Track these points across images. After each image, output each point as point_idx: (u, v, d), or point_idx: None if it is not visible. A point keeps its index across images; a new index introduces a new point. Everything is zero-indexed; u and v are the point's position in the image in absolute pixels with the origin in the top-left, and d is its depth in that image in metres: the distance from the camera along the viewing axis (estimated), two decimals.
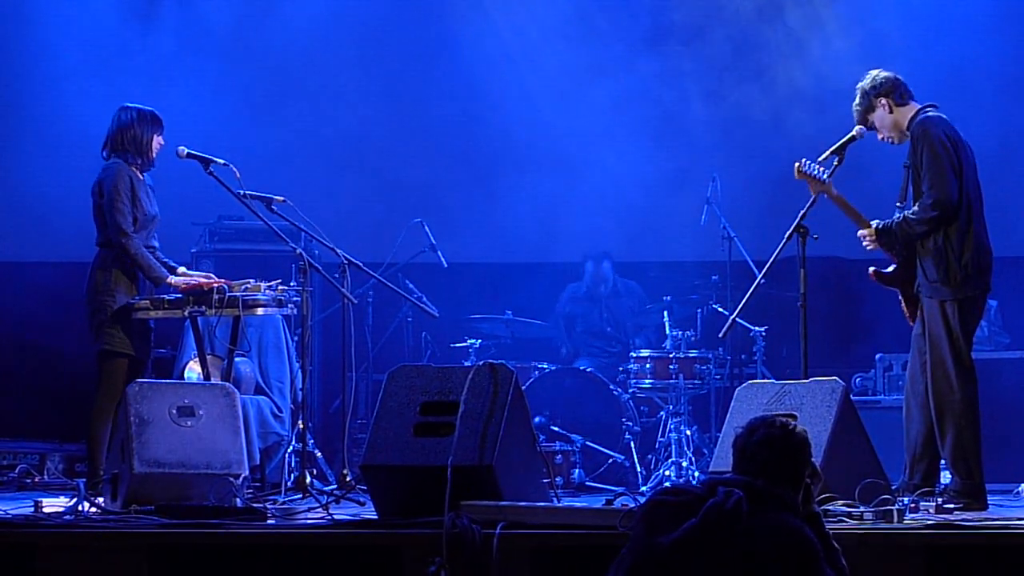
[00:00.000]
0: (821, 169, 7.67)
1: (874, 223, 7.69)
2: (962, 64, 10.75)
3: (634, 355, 10.21)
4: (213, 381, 8.36)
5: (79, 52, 11.22)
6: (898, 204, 7.78)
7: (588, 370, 10.35)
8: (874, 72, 7.81)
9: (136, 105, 8.50)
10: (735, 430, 5.60)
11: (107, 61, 11.15)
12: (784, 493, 4.96)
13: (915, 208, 7.57)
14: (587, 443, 9.92)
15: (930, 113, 7.68)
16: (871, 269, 7.79)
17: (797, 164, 7.69)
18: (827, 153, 7.85)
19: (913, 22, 11.04)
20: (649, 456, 10.00)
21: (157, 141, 8.47)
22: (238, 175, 8.28)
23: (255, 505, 7.25)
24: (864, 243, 7.78)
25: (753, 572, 4.81)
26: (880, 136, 7.83)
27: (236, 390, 7.80)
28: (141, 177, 8.45)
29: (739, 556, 4.80)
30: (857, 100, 7.81)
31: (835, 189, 7.71)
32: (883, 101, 7.74)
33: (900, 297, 7.79)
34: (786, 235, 7.79)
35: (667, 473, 9.47)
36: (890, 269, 7.78)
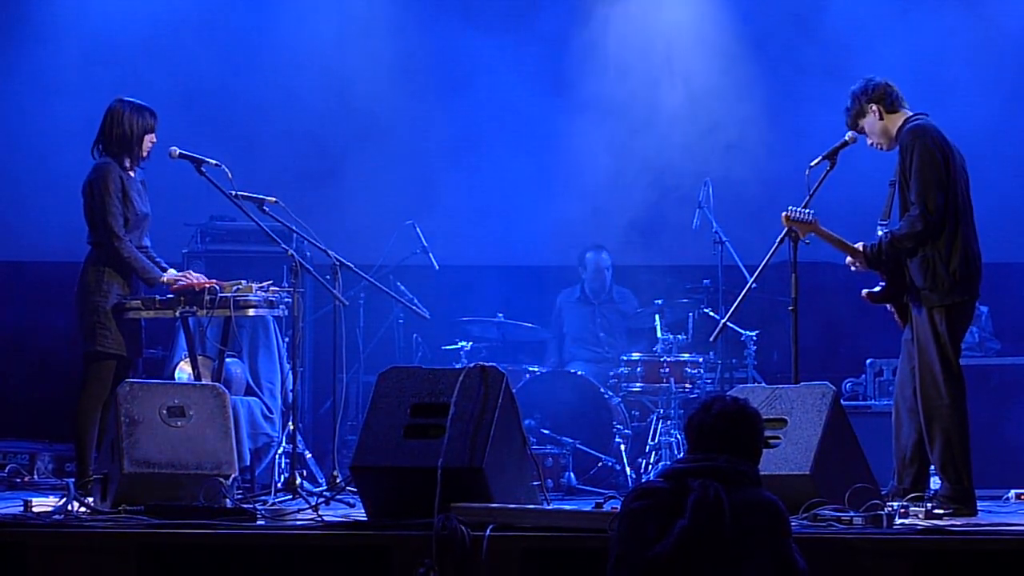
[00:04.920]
0: (809, 212, 7.69)
1: (859, 245, 7.69)
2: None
3: (625, 358, 10.22)
4: (204, 382, 8.34)
5: (73, 46, 11.21)
6: (881, 221, 7.75)
7: (579, 373, 10.34)
8: (867, 77, 7.82)
9: (130, 99, 8.41)
10: None
11: (102, 57, 11.14)
12: (748, 469, 5.18)
13: (901, 223, 7.57)
14: (578, 446, 9.92)
15: (920, 121, 7.68)
16: (864, 292, 7.80)
17: (784, 213, 7.70)
18: (819, 158, 7.86)
19: (905, 21, 11.07)
20: (639, 459, 10.01)
21: (148, 140, 8.40)
22: (230, 176, 8.28)
23: (245, 506, 7.24)
24: (853, 269, 7.78)
25: (739, 550, 5.00)
26: (869, 142, 7.84)
27: (227, 391, 7.79)
28: (132, 175, 8.41)
29: (728, 540, 4.98)
30: (849, 104, 7.82)
31: (823, 226, 7.72)
32: (874, 107, 7.75)
33: (892, 308, 7.79)
34: (778, 240, 7.80)
35: None
36: (878, 288, 7.77)
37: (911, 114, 7.74)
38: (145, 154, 8.42)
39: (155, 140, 8.42)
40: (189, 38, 11.35)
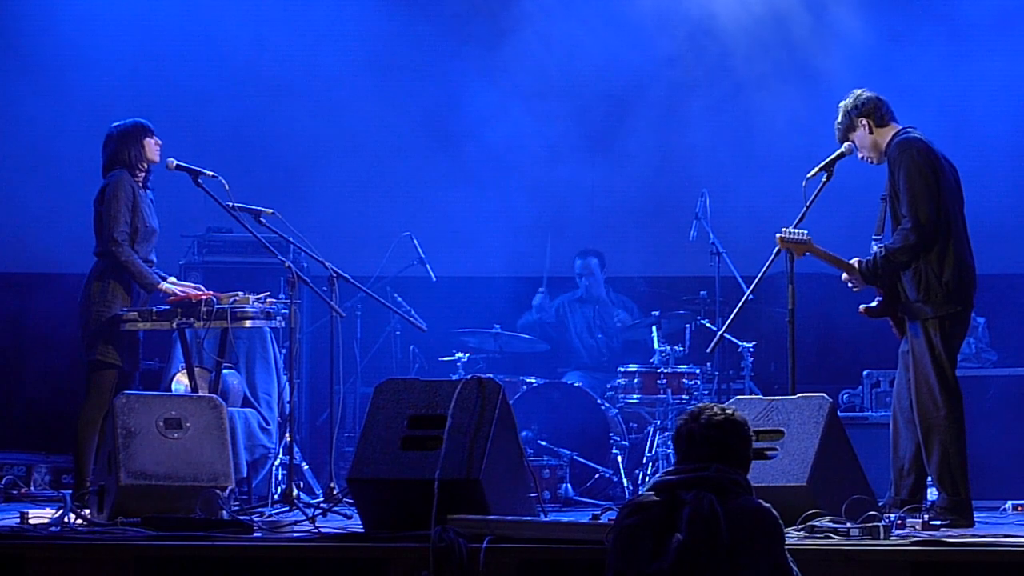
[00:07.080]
0: (802, 232, 7.70)
1: (854, 261, 7.69)
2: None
3: (622, 370, 10.22)
4: (200, 393, 8.35)
5: (72, 62, 11.22)
6: (874, 237, 7.77)
7: (576, 384, 10.34)
8: (857, 92, 7.83)
9: (117, 123, 8.54)
10: None
11: (104, 70, 11.15)
12: (739, 477, 5.18)
13: (895, 236, 7.58)
14: (575, 457, 9.90)
15: (909, 134, 7.68)
16: (861, 308, 7.81)
17: (779, 236, 7.71)
18: (816, 170, 7.86)
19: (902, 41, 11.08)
20: (636, 471, 9.99)
21: (152, 144, 8.50)
22: (227, 187, 8.29)
23: (242, 518, 7.24)
24: (850, 286, 7.79)
25: (736, 559, 5.01)
26: (859, 156, 7.84)
27: (223, 402, 7.79)
28: (144, 192, 8.50)
29: (725, 550, 5.00)
30: (839, 119, 7.84)
31: (817, 245, 7.74)
32: (864, 122, 7.76)
33: (891, 322, 7.80)
34: (774, 251, 7.81)
35: None
36: (875, 303, 7.78)
37: (900, 127, 7.75)
38: (156, 158, 8.51)
39: (160, 142, 8.51)
40: (172, 51, 11.37)
